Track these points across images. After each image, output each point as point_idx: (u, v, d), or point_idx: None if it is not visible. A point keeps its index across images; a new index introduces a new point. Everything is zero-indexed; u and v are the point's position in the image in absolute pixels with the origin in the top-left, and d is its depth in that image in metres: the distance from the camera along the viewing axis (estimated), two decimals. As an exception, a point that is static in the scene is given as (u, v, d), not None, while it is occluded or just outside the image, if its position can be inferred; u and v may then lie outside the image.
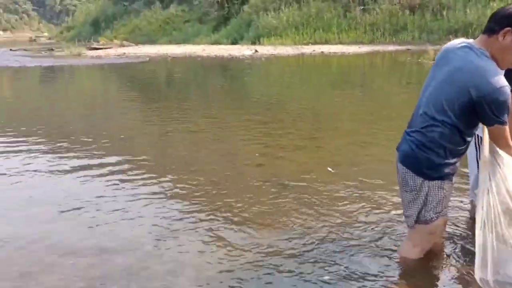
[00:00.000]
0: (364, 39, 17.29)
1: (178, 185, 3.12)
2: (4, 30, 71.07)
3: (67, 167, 3.55)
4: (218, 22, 22.28)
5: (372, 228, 2.33)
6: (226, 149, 4.10)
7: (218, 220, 2.51)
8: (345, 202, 2.71)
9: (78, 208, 2.73)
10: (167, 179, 3.26)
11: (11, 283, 1.94)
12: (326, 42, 17.54)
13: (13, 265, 2.08)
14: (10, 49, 23.26)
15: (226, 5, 21.98)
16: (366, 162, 3.54)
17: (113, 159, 3.77)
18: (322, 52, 15.17)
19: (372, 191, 2.84)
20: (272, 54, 15.16)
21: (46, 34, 60.20)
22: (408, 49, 14.43)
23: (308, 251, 2.13)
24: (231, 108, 6.46)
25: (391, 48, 15.21)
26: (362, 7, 18.07)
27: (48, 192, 3.08)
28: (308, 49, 15.89)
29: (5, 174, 3.40)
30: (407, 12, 17.26)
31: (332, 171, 3.29)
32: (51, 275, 2.00)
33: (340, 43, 17.13)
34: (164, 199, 2.86)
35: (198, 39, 21.35)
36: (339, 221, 2.45)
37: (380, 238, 2.22)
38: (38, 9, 76.81)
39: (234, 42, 19.43)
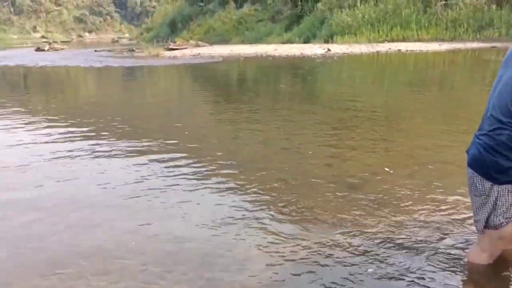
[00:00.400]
0: (445, 36, 16.41)
1: (247, 181, 3.16)
2: (90, 31, 76.41)
3: (142, 160, 3.73)
4: (291, 20, 22.26)
5: (440, 232, 2.28)
6: (295, 148, 4.07)
7: (285, 216, 2.56)
8: (411, 203, 2.65)
9: (150, 196, 2.88)
10: (237, 175, 3.32)
11: (101, 265, 2.09)
12: (404, 39, 16.88)
13: (100, 250, 2.23)
14: (95, 50, 24.97)
15: (299, 3, 21.90)
16: (438, 165, 3.38)
17: (183, 154, 3.89)
18: (399, 50, 14.61)
19: (442, 194, 2.75)
20: (345, 53, 14.85)
21: (127, 35, 63.98)
22: (494, 47, 13.45)
23: (368, 250, 2.13)
24: (301, 107, 6.40)
25: (475, 45, 14.27)
26: (444, 2, 17.15)
27: (122, 180, 3.24)
28: (383, 47, 15.37)
29: (81, 163, 3.64)
30: (494, 6, 16.09)
31: (390, 171, 3.23)
32: (134, 259, 2.14)
33: (419, 40, 16.40)
34: (234, 195, 2.92)
35: (270, 38, 21.50)
36: (404, 222, 2.41)
37: (446, 242, 2.17)
38: (120, 11, 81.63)
39: (306, 41, 19.31)
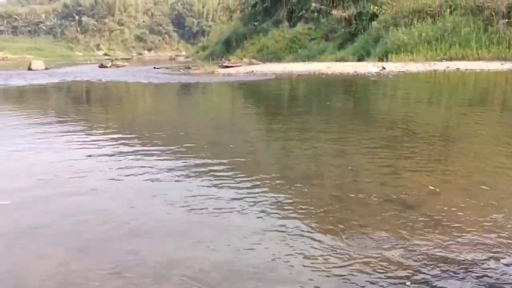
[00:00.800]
0: (507, 55, 15.71)
1: (300, 197, 3.18)
2: (149, 49, 79.87)
3: (194, 175, 3.81)
4: (344, 39, 22.19)
5: (494, 254, 2.20)
6: (348, 165, 4.04)
7: (337, 233, 2.55)
8: (466, 225, 2.56)
9: (204, 209, 2.95)
10: (289, 190, 3.34)
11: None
12: (463, 58, 16.32)
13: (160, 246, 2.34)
14: (154, 67, 26.08)
15: (354, 21, 21.81)
16: (497, 187, 3.24)
17: (233, 167, 3.97)
18: (457, 68, 14.13)
19: (499, 217, 2.66)
20: (401, 71, 14.56)
21: (183, 53, 66.29)
22: (562, 66, 12.69)
23: (420, 269, 2.08)
24: (353, 125, 6.34)
25: (541, 64, 13.52)
26: (506, 20, 16.43)
27: (173, 191, 3.33)
28: (441, 66, 14.93)
29: (135, 173, 3.79)
30: (562, 24, 15.23)
31: (446, 191, 3.16)
32: (191, 268, 2.20)
33: (479, 59, 15.78)
34: (286, 211, 2.94)
35: (323, 56, 21.51)
36: (457, 242, 2.34)
37: (499, 264, 2.04)
38: (178, 30, 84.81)
39: (360, 59, 19.13)
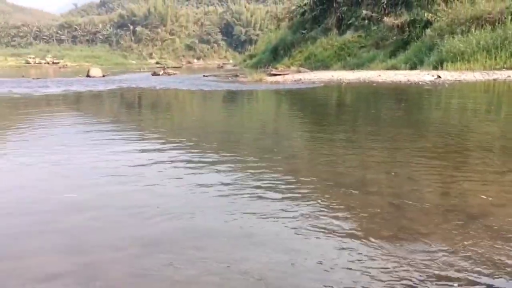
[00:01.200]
0: None
1: (356, 204, 3.14)
2: (198, 58, 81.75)
3: (249, 178, 3.85)
4: (396, 47, 21.69)
5: None
6: (407, 174, 3.93)
7: (398, 241, 2.50)
8: None
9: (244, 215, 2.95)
10: (346, 197, 3.31)
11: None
12: (526, 67, 15.50)
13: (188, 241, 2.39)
14: (203, 75, 26.63)
15: (406, 29, 21.30)
16: None
17: (287, 173, 3.99)
18: (518, 78, 13.44)
19: None
20: (457, 80, 14.04)
21: (231, 61, 67.31)
22: None
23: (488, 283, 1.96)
24: (407, 134, 6.17)
25: None
26: None
27: (227, 208, 3.30)
28: (501, 75, 14.25)
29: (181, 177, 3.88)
30: None
31: (500, 201, 2.92)
32: (251, 267, 2.22)
33: (543, 68, 14.94)
34: (343, 217, 2.92)
35: (373, 65, 21.11)
36: None
37: None
38: (226, 39, 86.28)
39: (412, 68, 18.62)
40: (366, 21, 25.43)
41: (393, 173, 3.99)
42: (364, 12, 25.57)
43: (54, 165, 4.45)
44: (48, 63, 64.09)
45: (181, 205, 3.19)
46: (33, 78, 25.10)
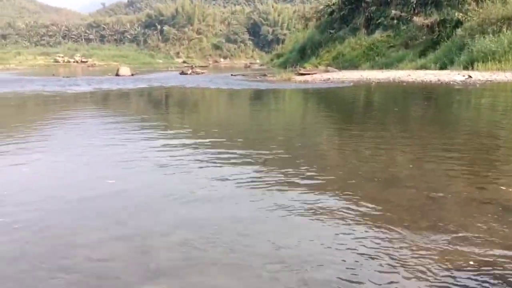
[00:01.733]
0: None
1: (395, 198, 3.25)
2: (225, 57, 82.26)
3: (271, 181, 3.91)
4: (426, 46, 21.45)
5: None
6: (442, 170, 4.01)
7: (435, 233, 2.59)
8: None
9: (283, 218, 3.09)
10: (383, 192, 3.43)
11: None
12: (559, 67, 15.13)
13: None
14: (231, 74, 26.92)
15: (436, 28, 21.04)
16: None
17: (322, 170, 4.15)
18: (552, 78, 13.15)
19: None
20: (489, 80, 13.84)
21: (258, 61, 67.50)
22: None
23: None
24: (438, 132, 6.21)
25: None
26: None
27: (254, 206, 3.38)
28: (534, 75, 13.98)
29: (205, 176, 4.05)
30: None
31: None
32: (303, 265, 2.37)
33: None
34: (380, 211, 3.03)
35: (402, 64, 20.96)
36: None
37: None
38: (253, 38, 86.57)
39: (442, 67, 18.41)
40: (395, 21, 25.22)
41: (427, 169, 4.08)
42: (393, 11, 25.36)
43: (92, 157, 4.73)
44: (76, 62, 65.76)
45: (214, 193, 3.38)
46: (63, 77, 25.92)
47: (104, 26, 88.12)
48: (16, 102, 12.53)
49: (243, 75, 25.32)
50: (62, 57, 67.39)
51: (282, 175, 3.87)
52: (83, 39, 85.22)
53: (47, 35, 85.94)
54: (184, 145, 5.35)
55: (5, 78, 24.89)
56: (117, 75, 27.08)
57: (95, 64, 63.70)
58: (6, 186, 3.73)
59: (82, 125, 7.48)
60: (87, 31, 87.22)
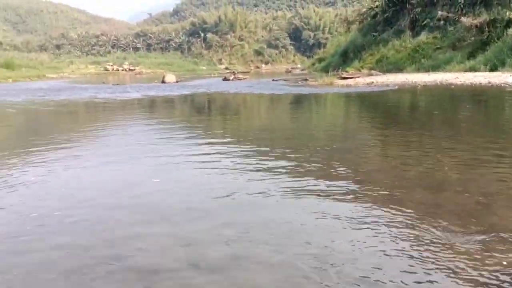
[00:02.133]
0: None
1: (445, 202, 3.22)
2: (266, 63, 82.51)
3: (315, 185, 3.90)
4: (474, 48, 20.66)
5: None
6: (491, 175, 3.93)
7: (486, 238, 2.56)
8: None
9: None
10: (432, 197, 3.40)
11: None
12: None
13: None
14: (272, 79, 27.03)
15: (486, 29, 20.25)
16: None
17: (370, 174, 4.14)
18: None
19: None
20: (544, 81, 13.18)
21: (299, 65, 67.26)
22: None
23: None
24: (487, 136, 6.02)
25: None
26: None
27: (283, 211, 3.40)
28: None
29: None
30: None
31: None
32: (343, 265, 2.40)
33: None
34: (434, 214, 3.01)
35: (449, 67, 20.29)
36: None
37: None
38: (294, 43, 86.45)
39: (493, 69, 17.67)
40: (442, 22, 24.46)
41: (478, 173, 3.99)
42: (440, 12, 24.61)
43: (139, 159, 4.96)
44: (124, 70, 68.07)
45: (257, 195, 3.45)
46: (113, 84, 26.98)
47: (151, 35, 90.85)
48: (72, 108, 13.23)
49: (284, 80, 25.39)
50: (111, 65, 69.98)
51: (327, 179, 3.89)
52: (131, 48, 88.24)
53: (98, 44, 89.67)
54: (226, 148, 5.50)
55: (60, 86, 26.24)
56: (163, 82, 27.83)
57: (142, 71, 65.74)
58: (65, 185, 4.01)
59: (131, 130, 7.85)
60: (134, 40, 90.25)
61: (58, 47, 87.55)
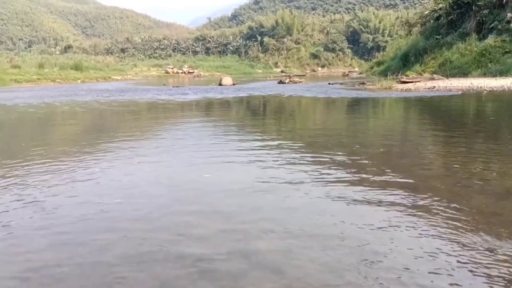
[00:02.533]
0: None
1: (506, 213, 3.11)
2: (322, 66, 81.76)
3: (371, 190, 3.90)
4: (548, 51, 19.35)
5: None
6: None
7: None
8: None
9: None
10: (494, 204, 3.30)
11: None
12: None
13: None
14: (329, 83, 26.79)
15: (562, 30, 18.89)
16: None
17: (426, 179, 4.03)
18: None
19: None
20: None
21: (356, 69, 66.11)
22: None
23: None
24: None
25: None
26: None
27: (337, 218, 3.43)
28: None
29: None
30: None
31: None
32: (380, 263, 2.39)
33: None
34: (485, 226, 2.93)
35: (519, 71, 19.13)
36: None
37: None
38: (352, 46, 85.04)
39: None
40: (511, 24, 23.12)
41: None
42: (509, 14, 23.27)
43: (194, 157, 5.14)
44: (184, 72, 70.17)
45: (311, 196, 3.47)
46: (173, 86, 27.94)
47: (209, 39, 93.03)
48: (136, 108, 13.89)
49: (340, 84, 25.09)
50: (172, 68, 72.41)
51: (384, 184, 3.85)
52: (190, 52, 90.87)
53: (159, 48, 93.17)
54: (278, 149, 5.60)
55: (124, 87, 27.61)
56: (220, 84, 28.41)
57: (200, 74, 67.55)
58: (126, 177, 4.29)
59: (188, 129, 8.19)
60: (194, 44, 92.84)
61: (123, 50, 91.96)
